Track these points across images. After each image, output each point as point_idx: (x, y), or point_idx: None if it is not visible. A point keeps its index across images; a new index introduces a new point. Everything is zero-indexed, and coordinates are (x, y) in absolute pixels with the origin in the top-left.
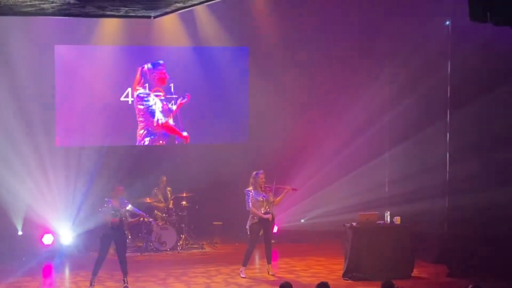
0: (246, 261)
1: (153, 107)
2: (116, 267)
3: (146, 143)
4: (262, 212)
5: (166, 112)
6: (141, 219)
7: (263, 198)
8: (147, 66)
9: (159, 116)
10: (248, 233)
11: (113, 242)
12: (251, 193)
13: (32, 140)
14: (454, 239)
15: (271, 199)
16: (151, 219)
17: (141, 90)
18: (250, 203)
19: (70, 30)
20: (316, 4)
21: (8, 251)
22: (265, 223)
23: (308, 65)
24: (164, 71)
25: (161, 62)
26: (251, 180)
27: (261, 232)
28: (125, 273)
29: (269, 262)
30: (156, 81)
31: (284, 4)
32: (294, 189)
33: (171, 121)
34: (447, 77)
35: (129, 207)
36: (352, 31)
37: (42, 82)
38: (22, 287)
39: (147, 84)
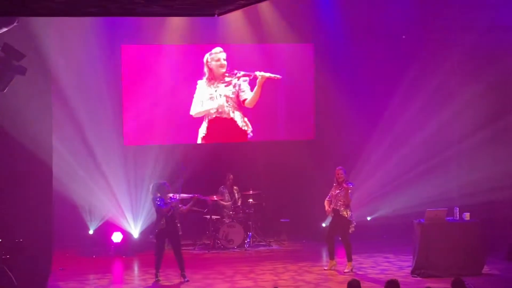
0: (330, 255)
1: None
2: (186, 263)
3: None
4: (329, 207)
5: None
6: (195, 202)
7: (334, 194)
8: (206, 56)
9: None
10: None
11: (167, 237)
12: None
13: (101, 139)
14: None
15: (342, 198)
16: (205, 197)
17: (202, 82)
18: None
19: (136, 30)
20: None
21: (79, 249)
22: (338, 221)
23: (373, 60)
24: (222, 57)
25: (219, 50)
26: None
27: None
28: (182, 267)
29: (348, 260)
30: (215, 69)
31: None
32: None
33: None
34: None
35: (178, 196)
36: (417, 24)
37: (109, 82)
38: (93, 284)
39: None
